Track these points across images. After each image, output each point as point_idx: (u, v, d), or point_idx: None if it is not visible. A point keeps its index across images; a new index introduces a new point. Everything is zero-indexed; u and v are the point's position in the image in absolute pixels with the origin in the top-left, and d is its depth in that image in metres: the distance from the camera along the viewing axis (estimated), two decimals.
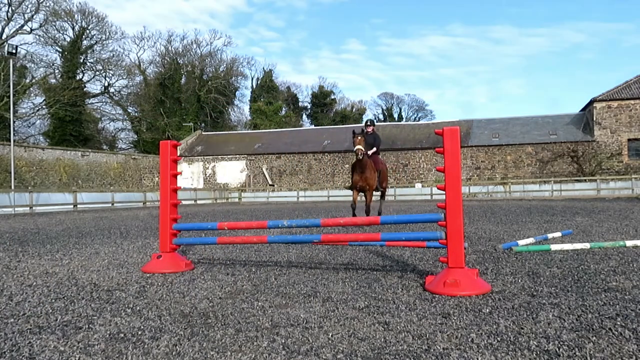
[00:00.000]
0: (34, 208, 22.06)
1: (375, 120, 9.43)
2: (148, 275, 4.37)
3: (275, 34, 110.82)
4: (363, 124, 8.62)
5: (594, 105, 35.92)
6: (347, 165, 40.86)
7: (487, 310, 2.92)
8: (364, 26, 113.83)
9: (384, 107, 79.46)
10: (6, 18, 43.81)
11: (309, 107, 74.31)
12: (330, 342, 2.38)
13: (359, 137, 8.62)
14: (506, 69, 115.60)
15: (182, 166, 44.32)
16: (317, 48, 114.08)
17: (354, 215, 9.21)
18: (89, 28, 51.45)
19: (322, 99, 72.02)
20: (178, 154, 3.97)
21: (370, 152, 9.37)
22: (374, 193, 9.78)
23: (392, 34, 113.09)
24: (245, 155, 44.24)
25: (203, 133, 51.03)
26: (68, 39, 50.35)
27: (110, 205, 26.74)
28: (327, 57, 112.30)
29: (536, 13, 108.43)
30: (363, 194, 9.38)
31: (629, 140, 35.32)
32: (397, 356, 2.18)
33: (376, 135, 9.82)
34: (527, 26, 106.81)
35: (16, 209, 21.30)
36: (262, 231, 8.43)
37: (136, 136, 58.50)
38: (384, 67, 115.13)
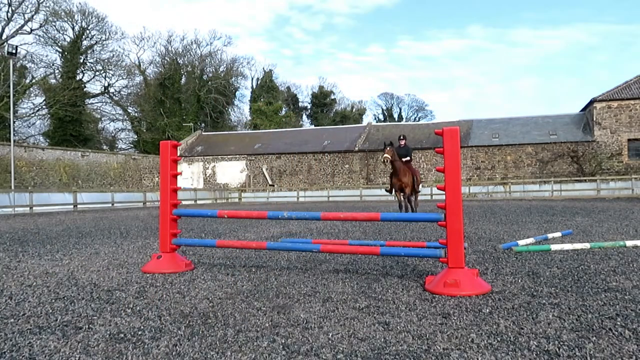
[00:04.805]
0: (34, 208, 22.03)
1: (406, 136, 12.85)
2: (148, 275, 4.37)
3: (277, 39, 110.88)
4: (397, 138, 12.52)
5: (594, 105, 35.89)
6: (347, 165, 40.91)
7: (487, 310, 2.92)
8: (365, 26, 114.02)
9: (384, 107, 79.45)
10: (6, 18, 43.82)
11: (309, 107, 74.30)
12: (330, 342, 2.38)
13: (388, 148, 11.24)
14: (507, 69, 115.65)
15: (182, 166, 44.31)
16: (319, 48, 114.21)
17: (400, 210, 11.80)
18: (89, 28, 51.44)
19: (322, 99, 72.01)
20: (178, 154, 3.98)
21: (404, 160, 11.93)
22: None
23: (393, 34, 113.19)
24: (245, 156, 44.23)
25: (203, 133, 51.01)
26: (68, 39, 50.34)
27: (110, 205, 26.73)
28: (328, 57, 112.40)
29: (537, 14, 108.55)
30: (402, 192, 11.86)
31: (629, 140, 35.29)
32: (397, 356, 2.18)
33: (408, 147, 12.31)
34: (532, 28, 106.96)
35: (16, 209, 21.28)
36: (262, 236, 8.45)
37: (136, 136, 58.50)
38: (384, 67, 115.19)
